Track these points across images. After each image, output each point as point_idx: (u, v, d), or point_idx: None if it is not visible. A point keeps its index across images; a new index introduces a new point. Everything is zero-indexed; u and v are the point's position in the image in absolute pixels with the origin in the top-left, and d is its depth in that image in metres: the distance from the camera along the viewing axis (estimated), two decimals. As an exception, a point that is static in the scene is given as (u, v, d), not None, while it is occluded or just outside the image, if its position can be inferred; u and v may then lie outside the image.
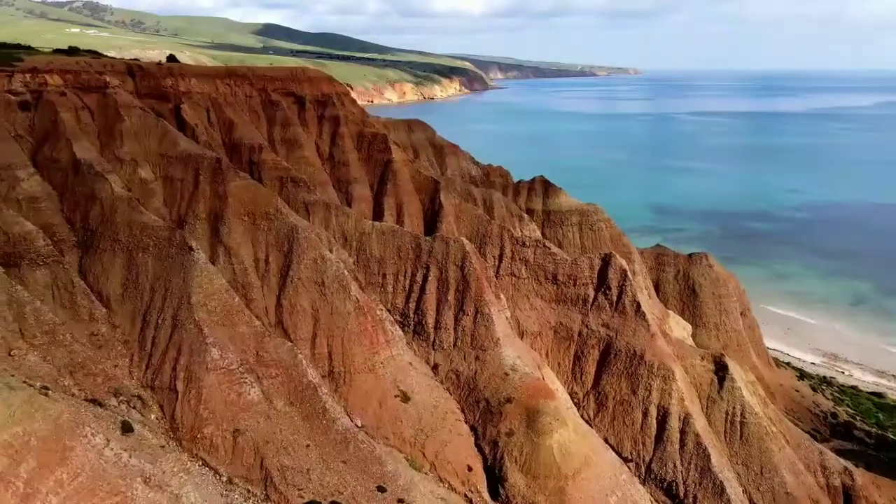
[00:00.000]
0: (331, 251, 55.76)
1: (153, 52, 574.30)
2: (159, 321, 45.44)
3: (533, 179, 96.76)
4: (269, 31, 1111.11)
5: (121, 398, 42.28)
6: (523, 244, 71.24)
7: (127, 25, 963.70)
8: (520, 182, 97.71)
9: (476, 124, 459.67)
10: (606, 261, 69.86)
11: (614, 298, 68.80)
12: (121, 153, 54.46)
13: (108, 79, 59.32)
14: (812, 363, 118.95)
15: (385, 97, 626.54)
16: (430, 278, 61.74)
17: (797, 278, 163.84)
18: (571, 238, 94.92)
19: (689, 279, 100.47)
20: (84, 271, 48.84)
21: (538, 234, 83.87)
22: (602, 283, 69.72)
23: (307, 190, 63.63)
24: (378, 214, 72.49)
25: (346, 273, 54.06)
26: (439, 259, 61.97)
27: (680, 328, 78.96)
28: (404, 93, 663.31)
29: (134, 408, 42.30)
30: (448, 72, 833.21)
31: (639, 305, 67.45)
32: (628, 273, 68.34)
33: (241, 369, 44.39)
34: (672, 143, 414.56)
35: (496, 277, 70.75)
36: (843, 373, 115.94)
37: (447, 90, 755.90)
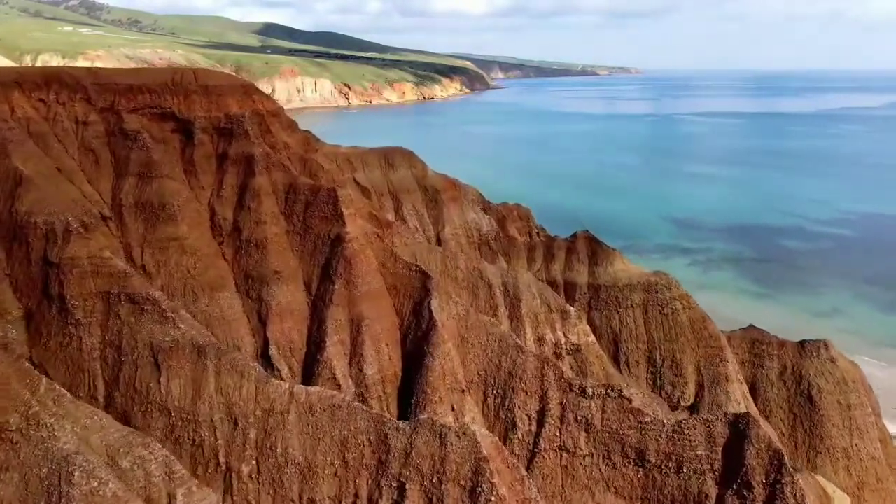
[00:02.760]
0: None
1: (145, 52, 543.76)
2: None
3: (574, 237, 63.77)
4: (269, 30, 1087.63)
5: None
6: (582, 392, 38.61)
7: (124, 24, 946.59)
8: (555, 240, 64.70)
9: (476, 126, 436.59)
10: (740, 428, 37.34)
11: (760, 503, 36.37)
12: None
13: None
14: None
15: (384, 97, 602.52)
16: (406, 513, 29.24)
17: (853, 313, 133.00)
18: (632, 328, 62.02)
19: (803, 380, 67.60)
20: None
21: (591, 339, 51.05)
22: (734, 469, 37.22)
23: (160, 318, 30.86)
24: (315, 341, 38.77)
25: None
26: (425, 470, 29.36)
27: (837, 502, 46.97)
28: (404, 93, 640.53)
29: None
30: (449, 71, 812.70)
31: (810, 524, 35.15)
32: (785, 460, 35.93)
33: None
34: (680, 145, 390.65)
35: (534, 454, 38.25)
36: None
37: (448, 90, 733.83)
